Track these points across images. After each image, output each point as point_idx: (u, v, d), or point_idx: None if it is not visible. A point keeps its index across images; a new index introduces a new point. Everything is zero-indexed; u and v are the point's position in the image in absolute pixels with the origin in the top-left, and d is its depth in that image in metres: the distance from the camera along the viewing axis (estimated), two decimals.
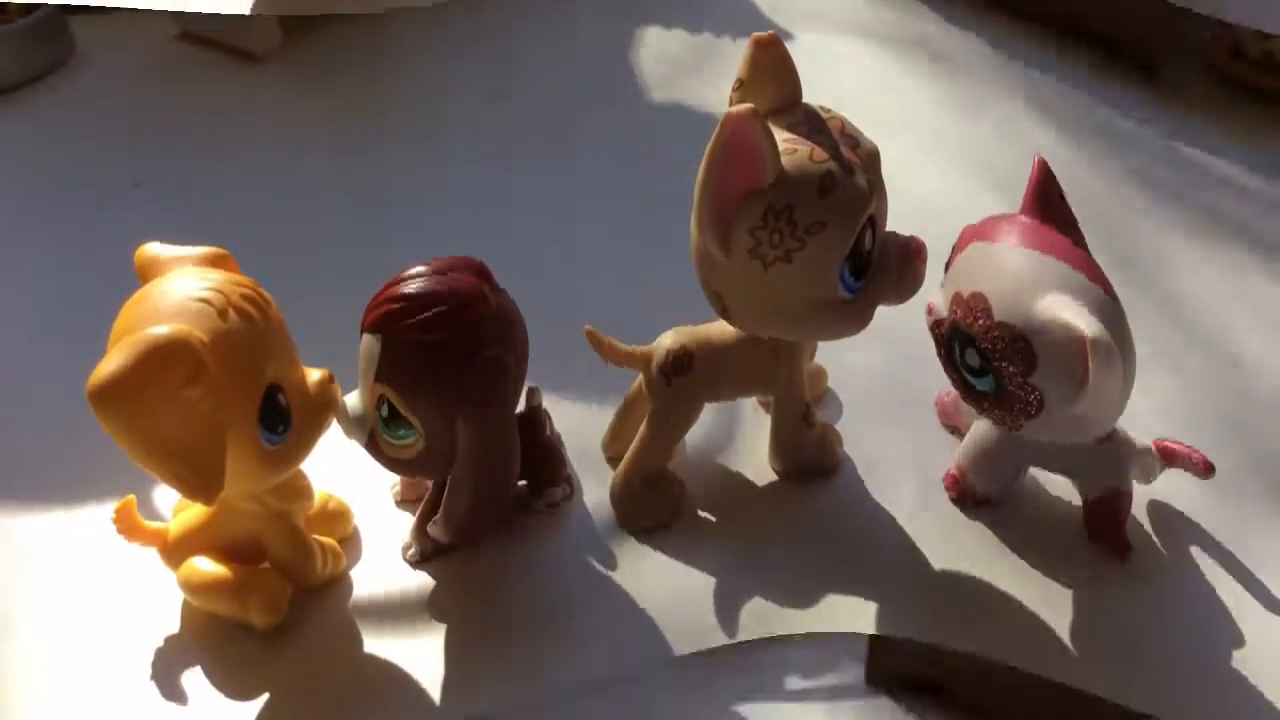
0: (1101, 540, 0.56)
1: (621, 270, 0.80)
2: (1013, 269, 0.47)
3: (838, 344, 0.53)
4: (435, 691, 0.52)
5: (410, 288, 0.50)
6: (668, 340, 0.56)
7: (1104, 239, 0.82)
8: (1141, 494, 0.58)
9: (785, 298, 0.48)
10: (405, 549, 0.59)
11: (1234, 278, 0.79)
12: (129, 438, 0.43)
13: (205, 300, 0.46)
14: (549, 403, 0.63)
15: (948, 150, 0.88)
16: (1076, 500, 0.57)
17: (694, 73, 1.06)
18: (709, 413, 0.59)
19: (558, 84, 1.12)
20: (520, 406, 0.58)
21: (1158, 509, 0.59)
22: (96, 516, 0.60)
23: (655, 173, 0.89)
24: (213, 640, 0.54)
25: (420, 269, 0.51)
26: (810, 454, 0.58)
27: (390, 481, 0.62)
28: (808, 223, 0.45)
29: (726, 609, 0.51)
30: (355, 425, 0.53)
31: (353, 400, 0.53)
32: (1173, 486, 0.58)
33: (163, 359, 0.43)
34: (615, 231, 0.86)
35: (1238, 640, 0.52)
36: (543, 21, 1.26)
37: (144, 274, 0.49)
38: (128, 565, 0.57)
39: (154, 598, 0.56)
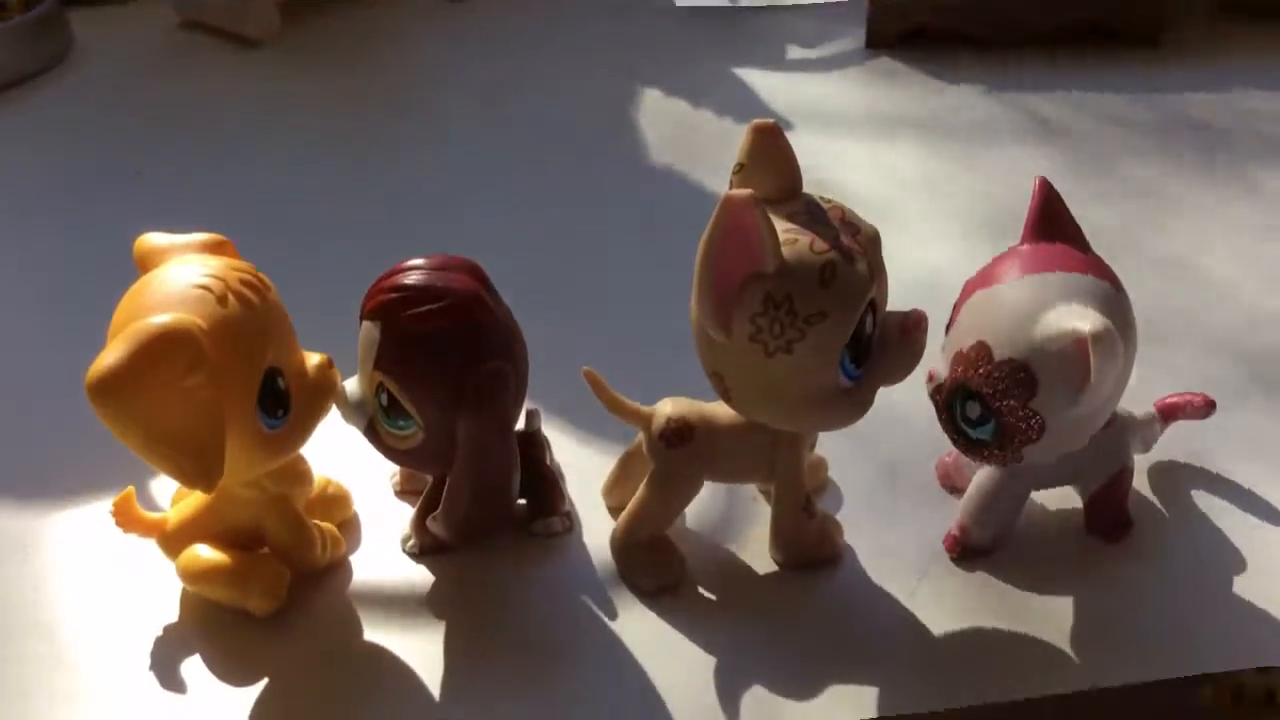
0: (1102, 528, 0.56)
1: (624, 305, 0.80)
2: (1012, 303, 0.48)
3: (839, 433, 0.52)
4: (433, 684, 0.51)
5: (410, 279, 0.49)
6: (668, 408, 0.55)
7: (1117, 214, 0.85)
8: (1140, 463, 0.59)
9: (786, 388, 0.47)
10: (404, 540, 0.58)
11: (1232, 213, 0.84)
12: (128, 429, 0.43)
13: (204, 287, 0.46)
14: (550, 436, 0.62)
15: (950, 214, 0.89)
16: (1071, 504, 0.58)
17: (692, 135, 1.05)
18: (708, 495, 0.58)
19: (558, 98, 1.13)
20: (520, 426, 0.57)
21: (1156, 469, 0.60)
22: (95, 508, 0.59)
23: (659, 231, 0.89)
24: (212, 628, 0.53)
25: (419, 262, 0.50)
26: (810, 545, 0.56)
27: (390, 470, 0.62)
28: (808, 313, 0.45)
29: (728, 693, 0.50)
30: (354, 411, 0.53)
31: (352, 386, 0.53)
32: (1167, 437, 0.60)
33: (163, 348, 0.42)
34: (616, 249, 0.87)
35: (1251, 571, 0.53)
36: (547, 32, 1.27)
37: (143, 264, 0.49)
38: (125, 556, 0.57)
39: (152, 588, 0.55)
